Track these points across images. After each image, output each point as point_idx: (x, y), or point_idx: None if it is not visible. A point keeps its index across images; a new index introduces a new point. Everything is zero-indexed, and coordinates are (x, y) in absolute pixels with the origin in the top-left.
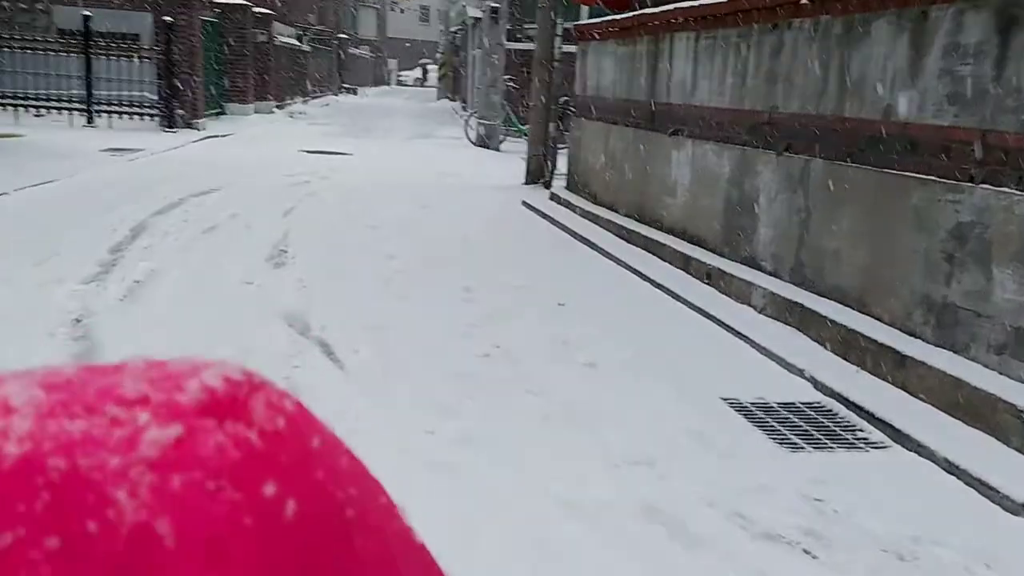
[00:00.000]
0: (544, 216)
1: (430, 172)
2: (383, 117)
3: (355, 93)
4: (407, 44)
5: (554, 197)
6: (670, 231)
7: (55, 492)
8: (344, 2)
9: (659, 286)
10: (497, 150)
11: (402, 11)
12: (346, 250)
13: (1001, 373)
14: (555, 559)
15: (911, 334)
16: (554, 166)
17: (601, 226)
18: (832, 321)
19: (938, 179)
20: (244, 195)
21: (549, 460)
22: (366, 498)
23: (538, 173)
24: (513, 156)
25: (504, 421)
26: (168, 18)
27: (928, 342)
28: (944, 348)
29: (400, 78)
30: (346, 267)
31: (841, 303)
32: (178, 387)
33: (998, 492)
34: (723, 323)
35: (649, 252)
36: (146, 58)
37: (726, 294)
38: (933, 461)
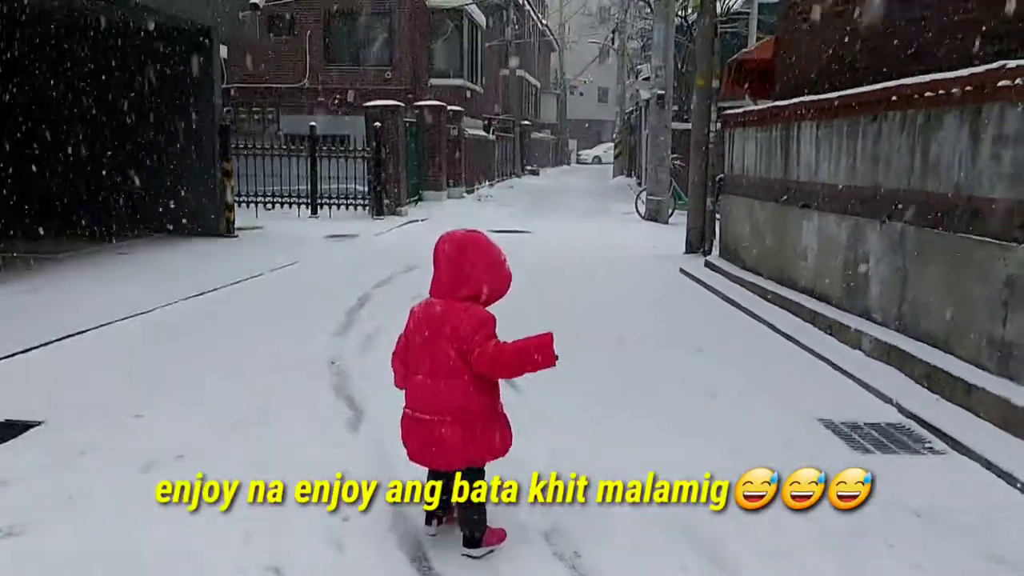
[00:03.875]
0: (697, 281)
1: (600, 245)
2: (561, 196)
3: (537, 174)
4: (586, 124)
5: (708, 264)
6: (803, 291)
7: (435, 308)
8: (526, 92)
9: (788, 337)
10: (666, 223)
11: (581, 94)
12: (519, 310)
13: None
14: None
15: (980, 367)
16: (712, 237)
17: (747, 288)
18: (919, 359)
19: (993, 240)
20: None
21: (659, 449)
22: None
23: (697, 244)
24: (680, 229)
25: (633, 428)
26: (377, 123)
27: (992, 373)
28: (1003, 377)
29: (580, 157)
30: (519, 324)
31: (930, 345)
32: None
33: (1017, 480)
34: (835, 364)
35: (785, 309)
36: (359, 157)
37: (843, 342)
38: (977, 462)
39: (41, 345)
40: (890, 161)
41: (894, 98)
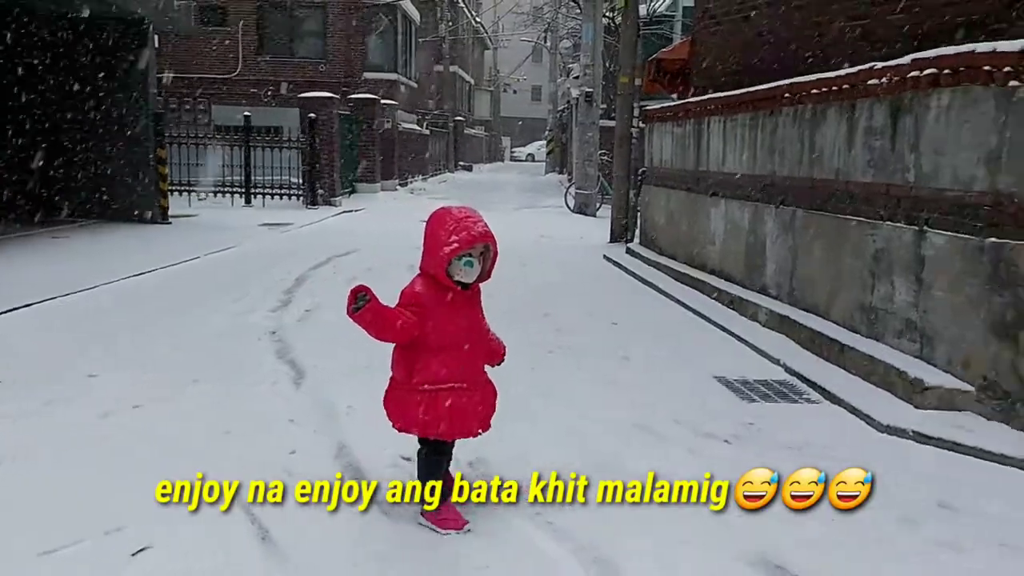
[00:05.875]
0: (619, 266)
1: (531, 236)
2: (494, 191)
3: (470, 170)
4: (519, 122)
5: (629, 251)
6: (711, 272)
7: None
8: (460, 88)
9: (695, 311)
10: (594, 216)
11: (515, 92)
12: None
13: (899, 350)
14: (581, 438)
15: (853, 330)
16: (635, 227)
17: (662, 271)
18: (805, 326)
19: (864, 219)
20: (376, 255)
21: (586, 402)
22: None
23: (620, 233)
24: (607, 221)
25: (560, 384)
26: (312, 115)
27: (862, 335)
28: (870, 338)
29: (513, 154)
30: None
31: (815, 314)
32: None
33: (873, 419)
34: (733, 333)
35: (695, 289)
36: (293, 147)
37: (743, 315)
38: (843, 407)
39: None
40: (784, 151)
41: (787, 94)
